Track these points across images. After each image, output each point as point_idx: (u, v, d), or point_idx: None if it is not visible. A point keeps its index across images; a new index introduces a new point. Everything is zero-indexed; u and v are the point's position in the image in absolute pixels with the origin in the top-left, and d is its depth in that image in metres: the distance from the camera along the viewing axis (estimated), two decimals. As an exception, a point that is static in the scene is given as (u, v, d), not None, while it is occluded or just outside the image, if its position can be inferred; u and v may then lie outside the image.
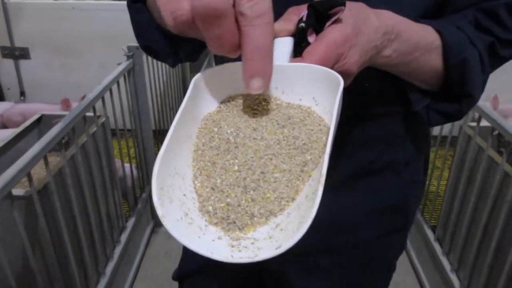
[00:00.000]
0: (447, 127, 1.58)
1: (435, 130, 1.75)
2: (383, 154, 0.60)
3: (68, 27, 2.60)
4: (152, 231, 1.94)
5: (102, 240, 1.38)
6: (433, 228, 1.70)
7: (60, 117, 1.48)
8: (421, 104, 0.56)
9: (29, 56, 2.74)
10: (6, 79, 2.82)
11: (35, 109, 2.58)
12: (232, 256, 0.30)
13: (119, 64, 1.56)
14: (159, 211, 0.31)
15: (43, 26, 2.64)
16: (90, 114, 1.28)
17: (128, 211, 1.75)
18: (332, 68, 0.39)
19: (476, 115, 1.34)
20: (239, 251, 0.31)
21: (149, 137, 1.79)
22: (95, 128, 1.31)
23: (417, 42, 0.48)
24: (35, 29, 2.66)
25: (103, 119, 1.37)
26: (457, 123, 1.56)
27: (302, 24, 0.40)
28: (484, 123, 1.31)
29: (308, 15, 0.40)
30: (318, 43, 0.39)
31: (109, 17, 2.57)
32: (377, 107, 0.57)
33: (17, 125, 2.49)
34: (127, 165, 1.72)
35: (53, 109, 2.54)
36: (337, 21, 0.40)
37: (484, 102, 1.35)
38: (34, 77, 2.81)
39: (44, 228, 1.00)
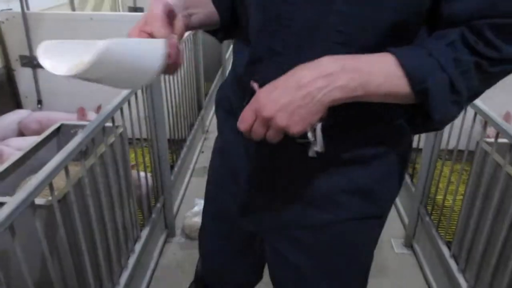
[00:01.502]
0: (463, 141, 1.57)
1: (451, 144, 1.74)
2: (354, 148, 0.67)
3: (86, 37, 2.63)
4: (165, 241, 1.94)
5: (117, 249, 1.39)
6: (448, 244, 1.68)
7: (78, 127, 1.51)
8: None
9: (47, 65, 2.79)
10: (24, 88, 2.88)
11: (51, 117, 2.63)
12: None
13: (137, 75, 1.59)
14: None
15: (61, 36, 2.66)
16: (108, 124, 1.29)
17: (142, 220, 1.76)
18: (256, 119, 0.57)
19: (494, 131, 1.33)
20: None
21: (164, 147, 1.81)
22: (113, 139, 1.32)
23: (369, 74, 0.54)
24: (54, 38, 2.70)
25: (121, 130, 1.39)
26: (474, 138, 1.56)
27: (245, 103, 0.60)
28: (502, 139, 1.30)
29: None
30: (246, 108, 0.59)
31: (125, 28, 2.58)
32: (353, 110, 0.61)
33: (34, 132, 2.54)
34: (142, 174, 1.73)
35: (69, 118, 2.58)
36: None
37: (502, 119, 1.34)
38: (51, 86, 2.86)
39: (63, 237, 1.01)
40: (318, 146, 0.57)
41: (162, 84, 1.75)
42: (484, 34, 0.53)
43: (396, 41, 0.57)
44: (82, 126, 1.48)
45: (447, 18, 0.56)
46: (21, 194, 0.82)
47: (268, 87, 0.56)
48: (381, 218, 0.76)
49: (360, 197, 0.70)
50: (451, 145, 1.72)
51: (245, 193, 0.78)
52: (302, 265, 0.78)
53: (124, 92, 1.39)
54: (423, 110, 0.57)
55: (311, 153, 0.58)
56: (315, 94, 0.53)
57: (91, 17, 2.64)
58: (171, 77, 2.00)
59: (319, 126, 0.56)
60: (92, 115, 2.53)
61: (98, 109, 2.60)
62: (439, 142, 1.80)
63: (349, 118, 0.63)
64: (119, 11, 4.41)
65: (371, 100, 0.56)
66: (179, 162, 2.19)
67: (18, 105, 2.92)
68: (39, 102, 2.91)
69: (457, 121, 1.63)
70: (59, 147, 1.48)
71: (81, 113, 2.55)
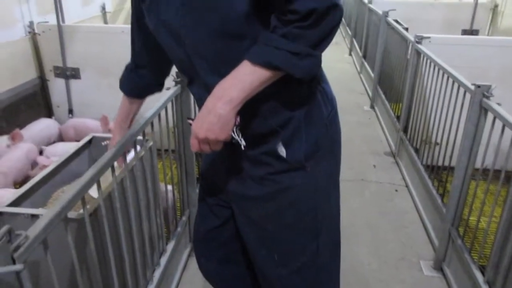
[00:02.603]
0: (500, 161, 1.51)
1: (486, 163, 1.67)
2: (265, 126, 0.93)
3: (117, 50, 2.70)
4: (189, 255, 1.94)
5: (143, 262, 1.39)
6: (482, 269, 1.61)
7: (109, 139, 1.52)
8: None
9: (79, 76, 2.87)
10: (56, 97, 2.95)
11: (85, 123, 2.75)
12: None
13: (167, 89, 1.60)
14: None
15: (94, 48, 2.76)
16: (139, 137, 1.30)
17: (167, 233, 1.76)
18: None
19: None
20: None
21: (191, 160, 1.81)
22: (143, 152, 1.33)
23: (241, 80, 0.80)
24: (87, 50, 2.78)
25: (150, 143, 1.40)
26: (511, 158, 1.50)
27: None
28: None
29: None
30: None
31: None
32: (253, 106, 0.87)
33: (69, 137, 2.66)
34: (169, 188, 1.74)
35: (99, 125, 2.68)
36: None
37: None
38: (82, 96, 2.93)
39: (92, 250, 1.02)
40: (241, 142, 0.87)
41: (191, 97, 1.76)
42: (283, 7, 0.76)
43: (239, 42, 0.84)
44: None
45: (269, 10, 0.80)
46: (55, 208, 0.83)
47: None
48: (302, 169, 0.96)
49: (273, 157, 0.95)
50: (486, 164, 1.66)
51: (218, 178, 1.11)
52: (254, 215, 1.03)
53: (156, 106, 1.40)
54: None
55: (242, 147, 0.87)
56: (219, 111, 0.80)
57: (122, 30, 2.70)
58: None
59: (235, 129, 0.85)
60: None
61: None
62: (473, 161, 1.74)
63: (254, 111, 0.90)
64: (149, 23, 4.51)
65: (258, 91, 0.82)
66: (205, 174, 2.20)
67: (49, 114, 3.00)
68: (70, 111, 2.97)
69: (494, 140, 1.58)
70: (91, 158, 1.50)
71: (104, 121, 2.62)
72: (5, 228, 0.69)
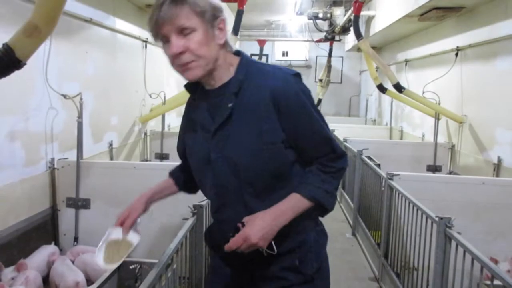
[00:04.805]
0: (466, 282, 1.79)
1: (456, 285, 1.94)
2: (286, 244, 1.24)
3: (128, 183, 3.04)
4: None
5: None
6: None
7: (136, 263, 1.77)
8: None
9: (89, 206, 3.14)
10: (64, 226, 3.16)
11: (88, 249, 2.98)
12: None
13: (185, 219, 1.91)
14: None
15: (106, 181, 3.09)
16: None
17: None
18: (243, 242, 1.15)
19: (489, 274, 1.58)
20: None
21: (201, 283, 2.02)
22: (170, 273, 1.58)
23: (293, 206, 1.19)
24: (99, 183, 3.10)
25: (174, 265, 1.65)
26: (475, 281, 1.78)
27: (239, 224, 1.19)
28: (496, 282, 1.54)
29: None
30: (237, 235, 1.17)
31: (164, 176, 3.01)
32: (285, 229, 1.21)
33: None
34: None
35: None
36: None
37: (498, 263, 1.59)
38: (89, 225, 3.14)
39: None
40: (274, 250, 1.18)
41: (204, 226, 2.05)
42: (325, 163, 1.23)
43: (283, 178, 1.21)
44: (140, 263, 1.75)
45: (306, 160, 1.24)
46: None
47: (252, 227, 1.14)
48: (311, 282, 1.27)
49: (291, 271, 1.25)
50: (457, 285, 1.93)
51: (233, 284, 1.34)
52: None
53: (179, 235, 1.69)
54: (321, 207, 1.24)
55: (265, 253, 1.18)
56: (276, 228, 1.16)
57: (134, 166, 3.08)
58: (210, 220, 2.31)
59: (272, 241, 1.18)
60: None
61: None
62: (446, 285, 2.01)
63: (285, 232, 1.21)
64: (148, 157, 4.97)
65: (300, 213, 1.20)
66: (207, 299, 2.37)
67: (55, 241, 3.17)
68: (75, 239, 3.17)
69: (459, 265, 1.88)
70: (120, 281, 1.72)
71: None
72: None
